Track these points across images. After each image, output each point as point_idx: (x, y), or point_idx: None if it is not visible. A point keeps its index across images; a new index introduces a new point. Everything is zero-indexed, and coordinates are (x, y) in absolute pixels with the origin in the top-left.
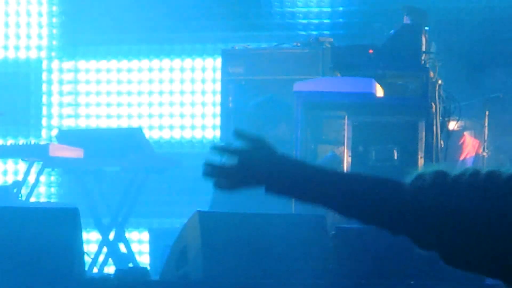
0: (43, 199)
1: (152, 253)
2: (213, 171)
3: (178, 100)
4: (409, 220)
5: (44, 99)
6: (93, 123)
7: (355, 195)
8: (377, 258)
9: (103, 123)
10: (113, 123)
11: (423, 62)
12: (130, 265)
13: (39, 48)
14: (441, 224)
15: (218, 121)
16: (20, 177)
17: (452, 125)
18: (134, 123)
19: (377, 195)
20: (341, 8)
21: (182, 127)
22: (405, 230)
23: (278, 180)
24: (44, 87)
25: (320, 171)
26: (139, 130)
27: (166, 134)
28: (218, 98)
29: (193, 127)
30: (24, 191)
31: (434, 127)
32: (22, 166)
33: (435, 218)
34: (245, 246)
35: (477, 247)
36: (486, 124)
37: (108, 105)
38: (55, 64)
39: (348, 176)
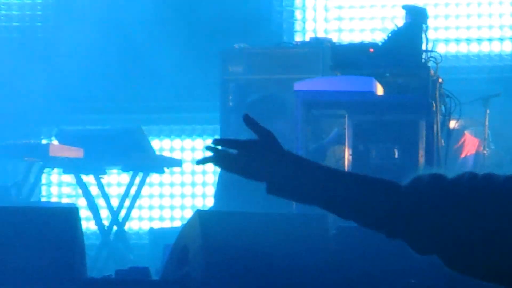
0: (43, 199)
1: (153, 253)
2: (212, 157)
3: None
4: (405, 222)
5: None
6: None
7: (350, 197)
8: (378, 257)
9: None
10: None
11: (423, 60)
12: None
13: None
14: (439, 225)
15: None
16: (20, 177)
17: (453, 124)
18: None
19: (371, 196)
20: (340, 7)
21: None
22: (401, 232)
23: (279, 180)
24: None
25: (318, 171)
26: (139, 130)
27: None
28: None
29: None
30: (24, 191)
31: (435, 126)
32: (22, 166)
33: (432, 220)
34: (245, 246)
35: (478, 249)
36: (487, 122)
37: None
38: None
39: (343, 176)
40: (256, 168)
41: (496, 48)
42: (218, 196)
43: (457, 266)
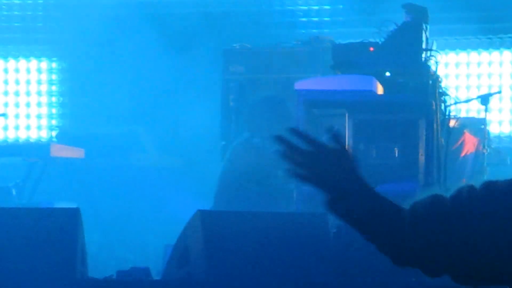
0: (44, 199)
1: (154, 253)
2: (293, 155)
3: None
4: (412, 251)
5: None
6: None
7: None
8: (378, 255)
9: None
10: None
11: (423, 59)
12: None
13: None
14: (446, 248)
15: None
16: (21, 178)
17: (452, 123)
18: None
19: (379, 227)
20: (341, 6)
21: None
22: (410, 260)
23: (344, 196)
24: None
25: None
26: (140, 130)
27: None
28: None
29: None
30: (25, 191)
31: (435, 125)
32: (23, 166)
33: (439, 244)
34: (246, 245)
35: (489, 259)
36: (486, 121)
37: None
38: None
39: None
40: (328, 174)
41: None
42: (218, 196)
43: (468, 281)
